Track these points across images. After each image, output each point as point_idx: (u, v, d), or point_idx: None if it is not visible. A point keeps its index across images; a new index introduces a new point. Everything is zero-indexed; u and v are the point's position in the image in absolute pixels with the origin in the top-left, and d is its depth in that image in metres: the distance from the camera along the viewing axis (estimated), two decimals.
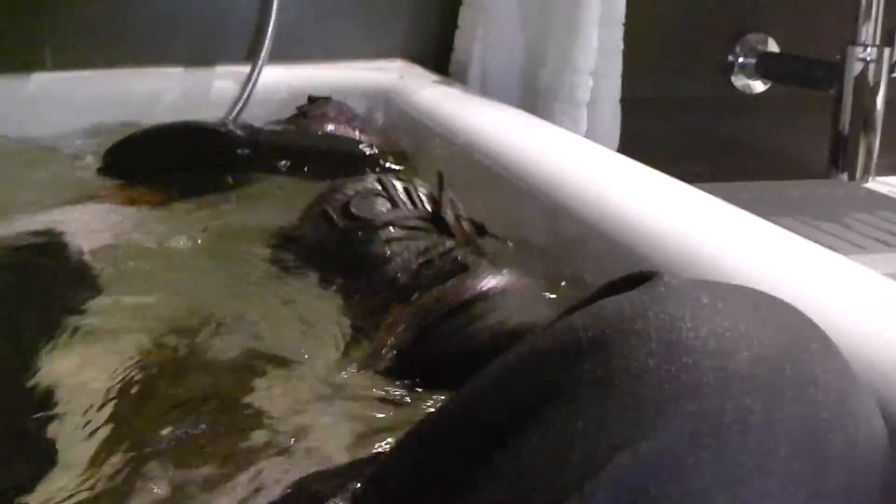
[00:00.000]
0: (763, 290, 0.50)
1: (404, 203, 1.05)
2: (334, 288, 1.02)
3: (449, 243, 0.97)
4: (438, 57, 2.20)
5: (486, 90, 1.95)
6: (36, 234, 1.22)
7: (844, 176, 2.31)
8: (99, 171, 1.56)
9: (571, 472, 0.39)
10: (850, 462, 0.41)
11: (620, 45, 1.91)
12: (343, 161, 1.50)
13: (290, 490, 0.65)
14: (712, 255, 1.00)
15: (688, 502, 0.37)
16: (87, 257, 1.17)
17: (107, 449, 0.74)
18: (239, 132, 1.54)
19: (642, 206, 1.16)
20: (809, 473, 0.39)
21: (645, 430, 0.39)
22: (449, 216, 1.01)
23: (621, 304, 0.46)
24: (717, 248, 1.00)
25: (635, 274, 0.50)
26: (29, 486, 0.68)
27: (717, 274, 0.94)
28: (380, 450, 0.72)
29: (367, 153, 1.55)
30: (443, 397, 0.77)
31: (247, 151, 1.48)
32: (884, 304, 0.79)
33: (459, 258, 0.93)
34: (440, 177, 1.07)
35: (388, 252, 0.97)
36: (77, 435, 0.77)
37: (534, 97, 1.86)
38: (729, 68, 2.55)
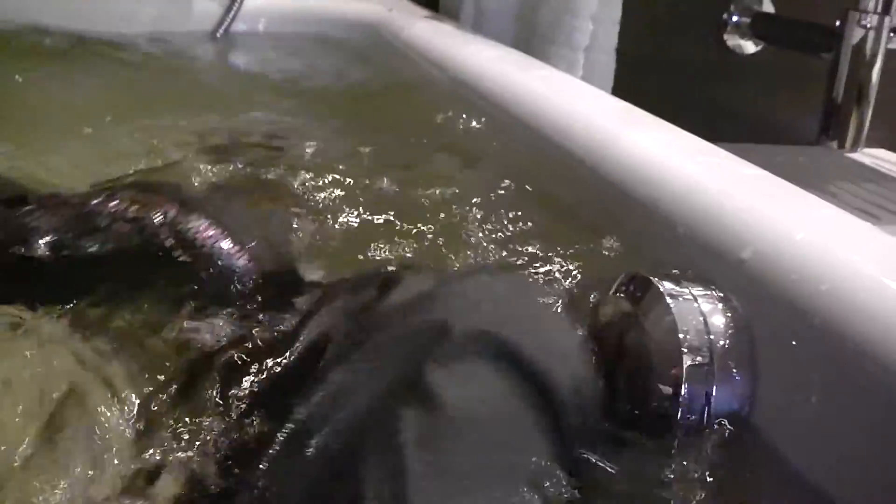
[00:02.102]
0: None
1: None
2: None
3: None
4: None
5: (479, 29, 1.86)
6: None
7: (834, 144, 2.26)
8: None
9: None
10: None
11: None
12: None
13: None
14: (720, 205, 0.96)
15: None
16: None
17: None
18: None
19: (651, 152, 1.11)
20: None
21: None
22: None
23: None
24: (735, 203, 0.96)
25: None
26: None
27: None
28: None
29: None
30: None
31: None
32: None
33: None
34: None
35: None
36: None
37: (528, 39, 1.78)
38: (722, 27, 2.48)
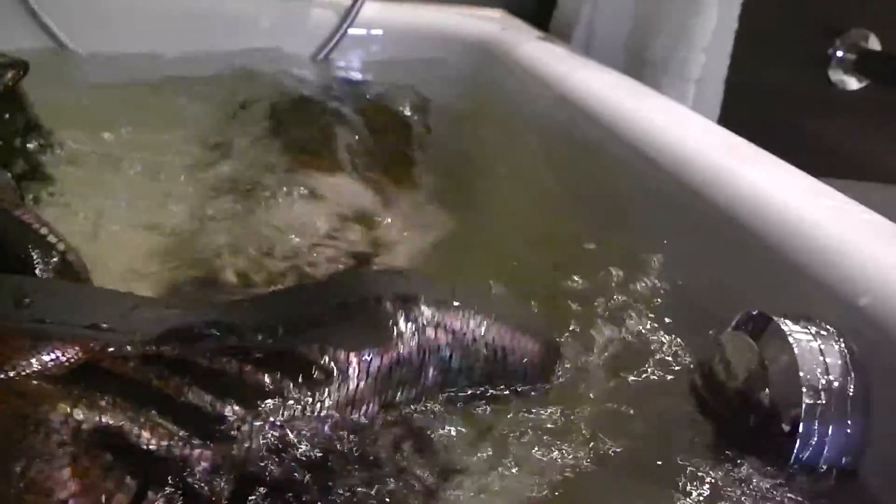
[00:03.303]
0: None
1: None
2: None
3: None
4: (539, 12, 2.14)
5: (590, 53, 1.89)
6: None
7: None
8: None
9: None
10: None
11: (735, 25, 1.85)
12: None
13: None
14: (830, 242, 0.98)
15: None
16: None
17: None
18: None
19: (760, 185, 1.13)
20: None
21: None
22: None
23: None
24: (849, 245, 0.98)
25: None
26: None
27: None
28: None
29: None
30: None
31: None
32: None
33: None
34: None
35: None
36: None
37: (639, 67, 1.81)
38: (827, 61, 2.48)
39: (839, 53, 2.47)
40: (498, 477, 0.81)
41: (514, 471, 0.83)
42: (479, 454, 0.83)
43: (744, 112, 2.15)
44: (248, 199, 1.38)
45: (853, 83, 2.51)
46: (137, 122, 1.63)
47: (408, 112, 1.70)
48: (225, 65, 1.94)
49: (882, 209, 2.25)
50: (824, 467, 0.85)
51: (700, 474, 0.87)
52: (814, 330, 0.89)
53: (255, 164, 1.50)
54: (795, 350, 0.86)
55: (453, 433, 0.84)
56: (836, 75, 2.48)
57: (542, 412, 0.90)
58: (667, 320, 1.07)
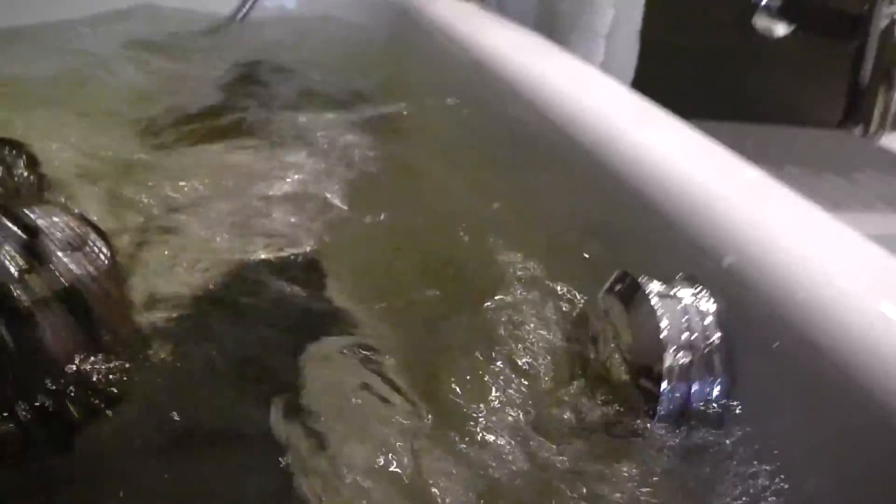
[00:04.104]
0: None
1: None
2: None
3: None
4: None
5: (504, 9, 1.89)
6: None
7: (858, 129, 2.27)
8: None
9: None
10: None
11: None
12: None
13: None
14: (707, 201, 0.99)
15: None
16: None
17: None
18: None
19: (648, 146, 1.14)
20: None
21: None
22: None
23: None
24: (727, 205, 0.99)
25: None
26: None
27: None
28: None
29: None
30: None
31: None
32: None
33: None
34: None
35: None
36: None
37: (550, 22, 1.81)
38: (751, 9, 2.48)
39: (763, 1, 2.48)
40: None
41: None
42: None
43: (667, 64, 2.16)
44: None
45: (779, 30, 2.52)
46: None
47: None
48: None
49: (808, 155, 2.28)
50: (690, 423, 0.87)
51: (568, 430, 0.89)
52: (681, 289, 0.91)
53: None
54: (658, 310, 0.88)
55: None
56: (761, 22, 2.49)
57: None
58: (553, 279, 1.09)
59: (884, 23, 2.18)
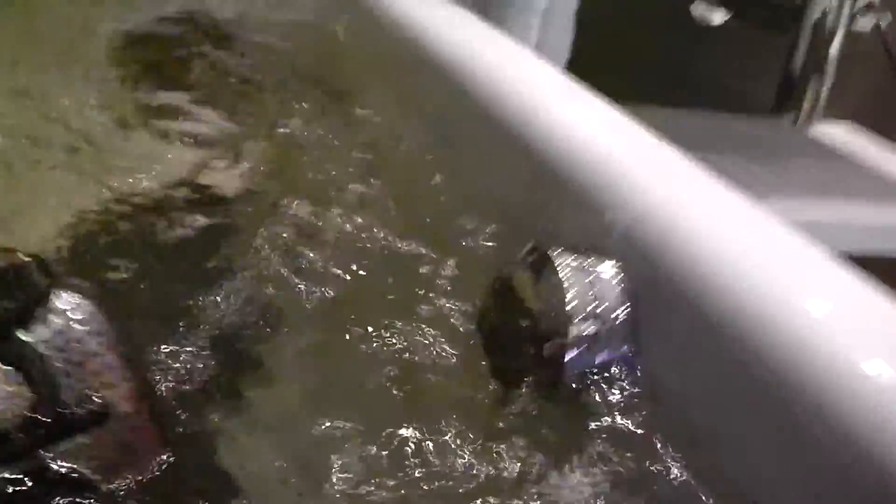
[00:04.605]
0: None
1: None
2: None
3: None
4: None
5: None
6: None
7: (790, 116, 2.31)
8: None
9: None
10: None
11: None
12: None
13: None
14: (633, 184, 1.00)
15: None
16: None
17: None
18: None
19: (568, 123, 1.15)
20: None
21: None
22: None
23: None
24: (638, 181, 1.01)
25: None
26: None
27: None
28: None
29: None
30: None
31: None
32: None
33: None
34: None
35: None
36: None
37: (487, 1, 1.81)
38: None
39: None
40: None
41: None
42: None
43: (602, 46, 2.17)
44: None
45: (716, 18, 2.54)
46: None
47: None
48: None
49: (741, 141, 2.31)
50: (595, 391, 0.88)
51: (475, 401, 0.90)
52: (588, 261, 0.92)
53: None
54: (566, 282, 0.89)
55: None
56: (697, 9, 2.51)
57: None
58: (473, 251, 1.10)
59: (817, 13, 2.22)
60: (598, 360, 0.88)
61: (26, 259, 0.75)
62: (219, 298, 1.03)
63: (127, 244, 1.14)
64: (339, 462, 0.83)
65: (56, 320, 0.74)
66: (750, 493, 0.77)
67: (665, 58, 2.46)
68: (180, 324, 0.98)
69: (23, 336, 0.73)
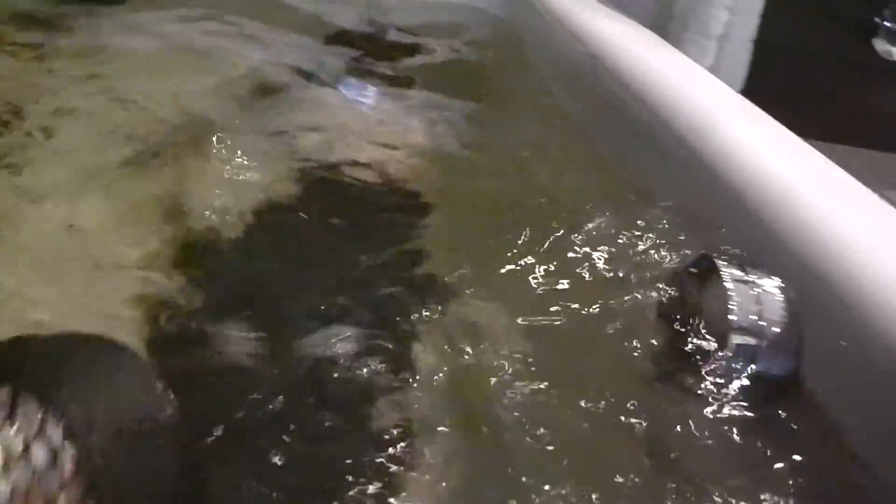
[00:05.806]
0: None
1: None
2: None
3: None
4: None
5: (621, 5, 1.92)
6: None
7: None
8: None
9: None
10: None
11: None
12: None
13: None
14: (806, 205, 1.01)
15: None
16: None
17: None
18: None
19: (743, 143, 1.17)
20: None
21: None
22: None
23: None
24: (811, 202, 1.01)
25: None
26: None
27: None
28: None
29: None
30: None
31: None
32: None
33: None
34: None
35: None
36: None
37: (667, 20, 1.83)
38: (872, 30, 2.46)
39: (887, 24, 2.45)
40: None
41: None
42: None
43: (774, 73, 2.16)
44: None
45: None
46: None
47: None
48: None
49: None
50: (751, 401, 0.90)
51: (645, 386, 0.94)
52: (754, 275, 0.94)
53: None
54: (729, 293, 0.91)
55: None
56: (881, 45, 2.47)
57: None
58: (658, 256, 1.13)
59: None
60: (757, 370, 0.90)
61: None
62: None
63: None
64: None
65: None
66: None
67: (845, 91, 2.42)
68: None
69: None
